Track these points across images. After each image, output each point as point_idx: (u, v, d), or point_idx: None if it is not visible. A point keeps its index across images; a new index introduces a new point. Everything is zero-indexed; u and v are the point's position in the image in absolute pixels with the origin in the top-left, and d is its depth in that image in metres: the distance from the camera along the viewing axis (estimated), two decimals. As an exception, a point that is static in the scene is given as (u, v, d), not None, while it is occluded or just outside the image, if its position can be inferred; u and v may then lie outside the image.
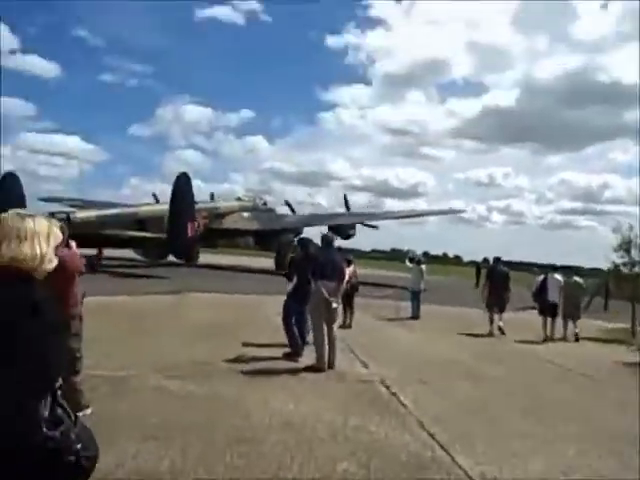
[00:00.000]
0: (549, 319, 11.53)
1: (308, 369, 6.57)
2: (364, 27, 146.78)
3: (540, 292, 11.81)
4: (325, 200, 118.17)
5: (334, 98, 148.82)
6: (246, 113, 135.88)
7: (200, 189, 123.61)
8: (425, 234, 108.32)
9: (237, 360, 6.86)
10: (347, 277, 10.63)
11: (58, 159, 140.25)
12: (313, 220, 32.37)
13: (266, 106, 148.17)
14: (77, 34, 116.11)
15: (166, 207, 25.21)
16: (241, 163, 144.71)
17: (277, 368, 6.59)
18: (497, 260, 12.67)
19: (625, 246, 12.72)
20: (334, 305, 6.68)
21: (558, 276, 12.01)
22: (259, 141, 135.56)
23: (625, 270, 12.92)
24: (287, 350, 7.30)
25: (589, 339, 11.87)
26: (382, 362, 7.43)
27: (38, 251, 1.60)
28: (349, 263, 10.83)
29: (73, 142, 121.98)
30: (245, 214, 32.26)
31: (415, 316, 13.11)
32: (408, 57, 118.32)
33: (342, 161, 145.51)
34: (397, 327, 11.51)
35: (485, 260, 39.07)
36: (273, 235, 30.80)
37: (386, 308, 13.95)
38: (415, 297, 13.26)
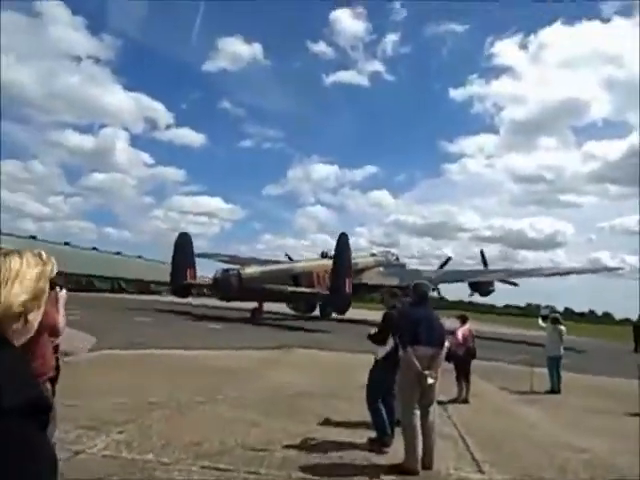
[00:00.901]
0: None
1: (394, 469, 4.68)
2: (489, 77, 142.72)
3: None
4: (452, 252, 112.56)
5: (460, 149, 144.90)
6: (370, 169, 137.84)
7: (327, 243, 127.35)
8: (567, 288, 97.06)
9: (301, 447, 5.20)
10: (461, 339, 8.62)
11: (203, 218, 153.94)
12: (452, 276, 31.82)
13: (390, 161, 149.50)
14: (221, 106, 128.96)
15: (315, 263, 28.63)
16: (366, 217, 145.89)
17: (350, 463, 4.79)
18: None
19: None
20: (430, 380, 4.77)
21: None
22: (384, 196, 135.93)
23: None
24: (373, 435, 5.48)
25: None
26: (506, 464, 5.22)
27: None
28: (464, 321, 8.76)
29: (215, 203, 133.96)
30: (381, 269, 32.45)
31: (555, 390, 10.27)
32: (539, 102, 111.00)
33: (471, 212, 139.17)
34: (530, 405, 8.87)
35: (642, 316, 33.13)
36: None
37: (516, 377, 11.26)
38: (553, 365, 10.44)
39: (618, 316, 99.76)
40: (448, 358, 8.46)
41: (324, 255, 31.22)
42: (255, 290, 24.58)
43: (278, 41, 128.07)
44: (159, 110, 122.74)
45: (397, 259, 36.31)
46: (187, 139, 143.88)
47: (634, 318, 32.99)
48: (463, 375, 8.53)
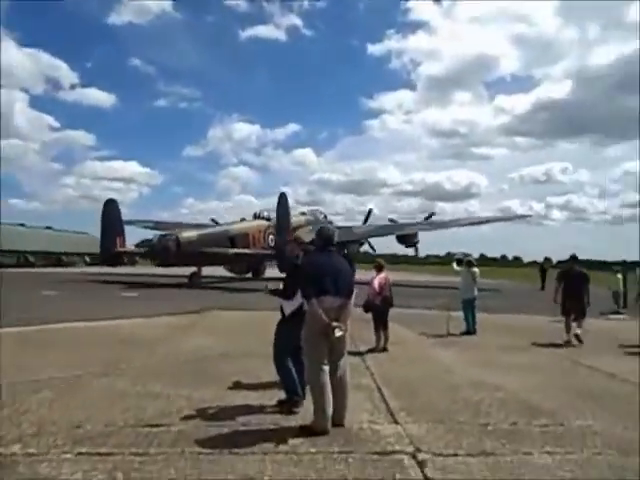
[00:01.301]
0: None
1: (303, 431, 4.27)
2: (405, 32, 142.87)
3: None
4: (376, 208, 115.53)
5: (380, 105, 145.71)
6: (293, 127, 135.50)
7: (252, 204, 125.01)
8: (481, 236, 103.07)
9: (203, 416, 4.67)
10: (377, 288, 8.37)
11: (118, 184, 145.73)
12: (381, 230, 33.08)
13: (312, 119, 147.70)
14: (131, 63, 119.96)
15: (250, 224, 28.92)
16: (290, 176, 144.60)
17: (256, 429, 4.33)
18: (573, 259, 10.31)
19: None
20: (338, 333, 4.35)
21: None
22: (307, 154, 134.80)
23: None
24: (283, 397, 5.05)
25: None
26: (421, 411, 5.01)
27: None
28: (379, 269, 8.48)
29: (131, 167, 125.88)
30: (311, 227, 32.35)
31: (470, 331, 10.46)
32: (453, 57, 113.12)
33: (392, 168, 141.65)
34: (447, 348, 8.90)
35: (547, 259, 35.72)
36: (342, 247, 30.89)
37: (434, 321, 11.37)
38: (468, 307, 10.60)
39: (526, 259, 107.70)
40: (366, 308, 8.23)
41: (257, 216, 30.82)
42: (194, 254, 24.23)
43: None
44: (61, 68, 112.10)
45: (325, 217, 36.57)
46: (95, 100, 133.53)
47: (540, 260, 35.47)
48: (381, 324, 8.33)
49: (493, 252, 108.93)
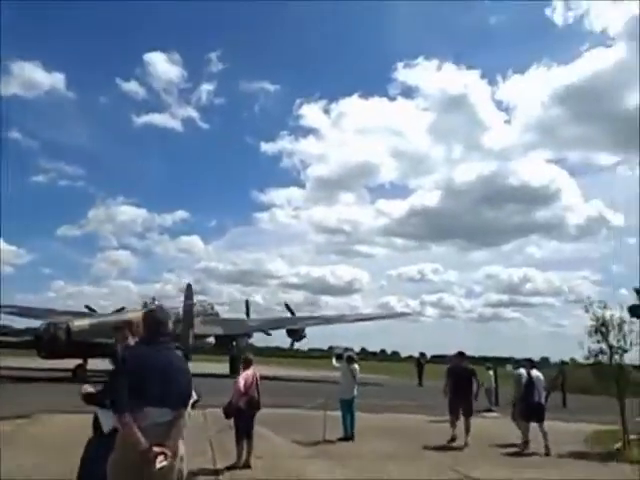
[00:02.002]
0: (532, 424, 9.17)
1: None
2: (297, 135, 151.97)
3: (527, 391, 9.33)
4: (262, 299, 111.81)
5: (270, 200, 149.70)
6: (181, 214, 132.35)
7: (129, 290, 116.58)
8: (362, 329, 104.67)
9: None
10: (242, 387, 6.98)
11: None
12: (273, 324, 33.11)
13: (202, 207, 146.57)
14: (10, 136, 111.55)
15: (141, 314, 24.94)
16: (175, 263, 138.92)
17: None
18: (461, 355, 10.04)
19: (601, 328, 9.88)
20: (161, 463, 2.97)
21: (537, 372, 9.73)
22: (194, 241, 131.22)
23: (603, 358, 9.95)
24: None
25: (575, 454, 8.85)
26: None
27: None
28: (247, 365, 7.19)
29: None
30: (201, 318, 31.02)
31: (347, 437, 9.25)
32: (339, 162, 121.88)
33: (279, 260, 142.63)
34: (324, 459, 7.58)
35: (422, 355, 36.60)
36: (231, 340, 30.49)
37: (311, 424, 10.02)
38: (347, 408, 9.47)
39: (404, 353, 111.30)
40: (226, 412, 6.79)
41: (147, 305, 28.71)
42: (85, 345, 22.22)
43: (84, 74, 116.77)
44: None
45: (212, 308, 35.35)
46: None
47: (416, 355, 36.39)
48: (245, 433, 6.85)
49: (373, 346, 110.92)
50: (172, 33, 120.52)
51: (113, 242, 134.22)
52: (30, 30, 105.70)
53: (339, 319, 34.84)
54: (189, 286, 24.20)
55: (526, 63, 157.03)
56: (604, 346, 9.87)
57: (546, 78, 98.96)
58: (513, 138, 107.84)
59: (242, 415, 6.80)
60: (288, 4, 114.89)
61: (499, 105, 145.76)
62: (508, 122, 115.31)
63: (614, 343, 9.83)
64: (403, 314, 41.97)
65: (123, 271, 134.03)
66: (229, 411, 6.81)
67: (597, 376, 10.56)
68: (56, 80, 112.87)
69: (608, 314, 9.85)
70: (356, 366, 9.74)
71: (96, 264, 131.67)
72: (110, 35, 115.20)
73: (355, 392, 9.64)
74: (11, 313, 33.47)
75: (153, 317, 3.30)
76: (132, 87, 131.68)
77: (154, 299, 29.33)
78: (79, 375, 22.42)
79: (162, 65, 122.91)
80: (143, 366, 3.09)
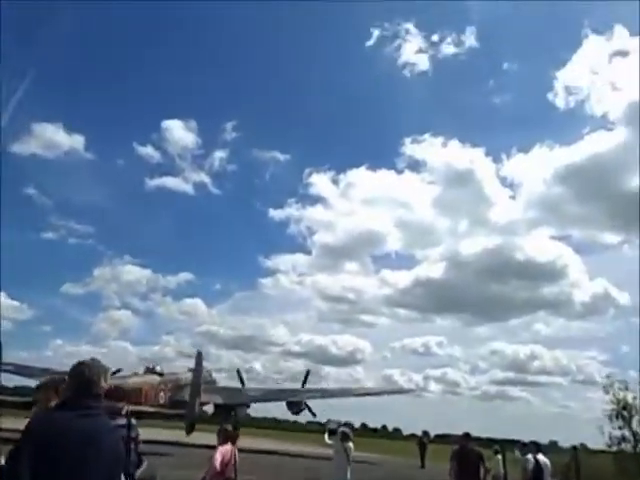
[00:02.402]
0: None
1: None
2: (305, 203, 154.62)
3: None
4: (262, 367, 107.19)
5: (275, 265, 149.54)
6: (186, 276, 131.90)
7: (127, 351, 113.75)
8: (363, 404, 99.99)
9: None
10: (218, 466, 6.04)
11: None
12: (272, 395, 32.49)
13: (207, 271, 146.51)
14: (25, 192, 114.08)
15: (143, 379, 26.53)
16: (176, 325, 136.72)
17: None
18: (467, 436, 9.01)
19: (622, 412, 8.90)
20: None
21: (544, 457, 8.52)
22: (197, 304, 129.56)
23: (626, 447, 8.89)
24: None
25: None
26: None
27: None
28: (227, 439, 6.30)
29: None
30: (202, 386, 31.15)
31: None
32: (346, 231, 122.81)
33: (281, 327, 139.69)
34: None
35: (425, 433, 34.23)
36: (229, 409, 29.47)
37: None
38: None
39: (406, 431, 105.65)
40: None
41: (149, 369, 28.40)
42: None
43: (103, 137, 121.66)
44: None
45: (210, 375, 34.25)
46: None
47: (419, 433, 34.34)
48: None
49: (374, 422, 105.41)
50: (190, 102, 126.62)
51: (116, 302, 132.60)
52: (54, 94, 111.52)
53: (342, 393, 34.18)
54: (199, 353, 23.94)
55: (529, 142, 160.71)
56: (627, 432, 8.88)
57: (548, 157, 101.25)
58: (518, 214, 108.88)
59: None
60: (302, 77, 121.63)
61: (504, 181, 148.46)
62: (513, 198, 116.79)
63: (638, 430, 8.84)
64: (407, 390, 40.60)
65: (123, 331, 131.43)
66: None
67: (619, 465, 9.42)
68: (76, 141, 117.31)
69: (630, 396, 8.94)
70: (351, 444, 8.68)
71: (97, 323, 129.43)
72: (131, 101, 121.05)
73: (348, 475, 8.52)
74: (7, 371, 32.37)
75: (80, 372, 2.60)
76: (148, 151, 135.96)
77: (154, 367, 28.48)
78: None
79: (178, 131, 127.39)
80: (52, 439, 2.34)
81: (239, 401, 30.61)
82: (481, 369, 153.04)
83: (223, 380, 35.53)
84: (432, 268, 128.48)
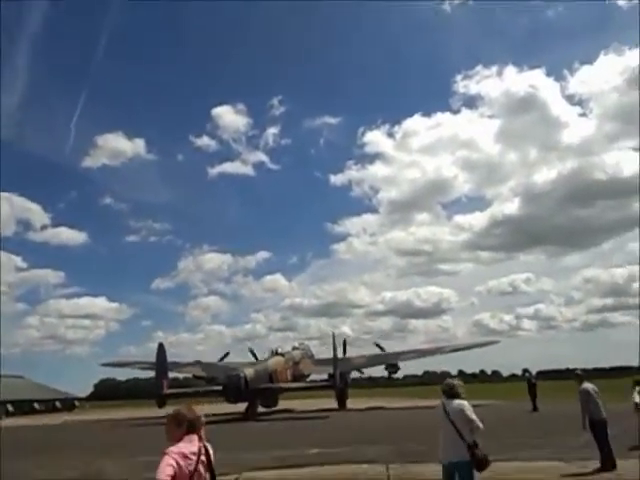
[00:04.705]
0: None
1: None
2: (364, 162, 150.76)
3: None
4: (350, 329, 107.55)
5: (345, 229, 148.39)
6: (263, 255, 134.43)
7: (222, 333, 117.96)
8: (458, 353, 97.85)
9: None
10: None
11: (85, 321, 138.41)
12: (375, 360, 34.52)
13: (281, 246, 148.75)
14: (103, 202, 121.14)
15: (276, 360, 31.06)
16: (262, 303, 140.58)
17: None
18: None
19: None
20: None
21: None
22: (277, 279, 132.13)
23: None
24: None
25: None
26: None
27: None
28: (192, 429, 4.34)
29: (100, 303, 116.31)
30: (308, 360, 34.90)
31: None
32: (410, 183, 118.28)
33: (362, 288, 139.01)
34: None
35: (527, 371, 31.85)
36: (341, 377, 31.08)
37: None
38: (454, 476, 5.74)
39: (505, 372, 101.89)
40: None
41: (275, 352, 32.55)
42: (258, 390, 26.99)
43: (160, 136, 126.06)
44: (34, 211, 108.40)
45: (310, 350, 37.23)
46: (65, 239, 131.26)
47: (518, 372, 32.54)
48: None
49: (471, 367, 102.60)
50: (234, 86, 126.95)
51: (203, 289, 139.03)
52: (108, 104, 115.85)
53: (435, 351, 35.23)
54: (333, 336, 27.62)
55: (593, 52, 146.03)
56: None
57: (617, 63, 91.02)
58: (592, 130, 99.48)
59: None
60: (341, 32, 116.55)
61: (571, 99, 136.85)
62: (583, 115, 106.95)
63: None
64: (491, 342, 37.83)
65: (215, 316, 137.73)
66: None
67: None
68: (137, 145, 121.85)
69: None
70: (465, 402, 5.59)
71: (189, 312, 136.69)
72: (178, 97, 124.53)
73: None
74: (142, 368, 36.33)
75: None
76: (204, 141, 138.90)
77: (277, 349, 32.92)
78: (251, 414, 26.74)
79: (229, 116, 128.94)
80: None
81: (347, 369, 32.65)
82: (576, 299, 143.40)
83: (315, 346, 37.28)
84: (506, 205, 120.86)
